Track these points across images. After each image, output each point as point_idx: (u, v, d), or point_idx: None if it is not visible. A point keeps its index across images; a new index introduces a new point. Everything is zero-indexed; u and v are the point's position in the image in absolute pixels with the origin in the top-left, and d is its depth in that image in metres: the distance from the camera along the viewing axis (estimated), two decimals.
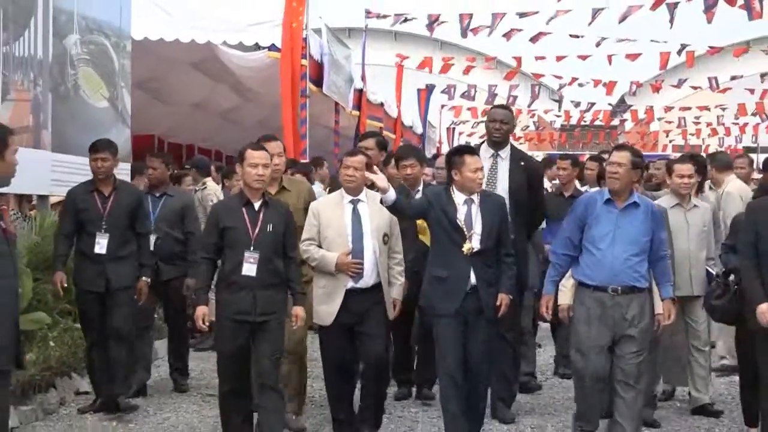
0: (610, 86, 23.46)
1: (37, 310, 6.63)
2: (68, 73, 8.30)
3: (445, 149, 20.23)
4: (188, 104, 14.18)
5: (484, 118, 7.14)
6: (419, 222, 6.16)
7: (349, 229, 5.60)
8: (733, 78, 24.55)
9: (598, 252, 5.35)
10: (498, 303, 5.44)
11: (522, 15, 16.30)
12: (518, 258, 5.91)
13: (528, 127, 35.72)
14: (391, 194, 5.35)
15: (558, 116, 34.29)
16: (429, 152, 20.35)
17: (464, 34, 16.31)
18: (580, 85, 23.58)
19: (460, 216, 5.42)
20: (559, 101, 34.87)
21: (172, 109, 14.03)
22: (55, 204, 8.42)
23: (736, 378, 6.49)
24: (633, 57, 19.13)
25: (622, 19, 14.66)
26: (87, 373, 6.68)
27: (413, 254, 6.12)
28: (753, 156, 15.46)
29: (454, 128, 32.79)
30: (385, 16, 17.03)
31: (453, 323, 5.39)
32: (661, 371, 6.61)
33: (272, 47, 11.33)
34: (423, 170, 7.02)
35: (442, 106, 28.55)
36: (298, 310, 5.40)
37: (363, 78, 15.20)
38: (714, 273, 6.35)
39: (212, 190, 9.06)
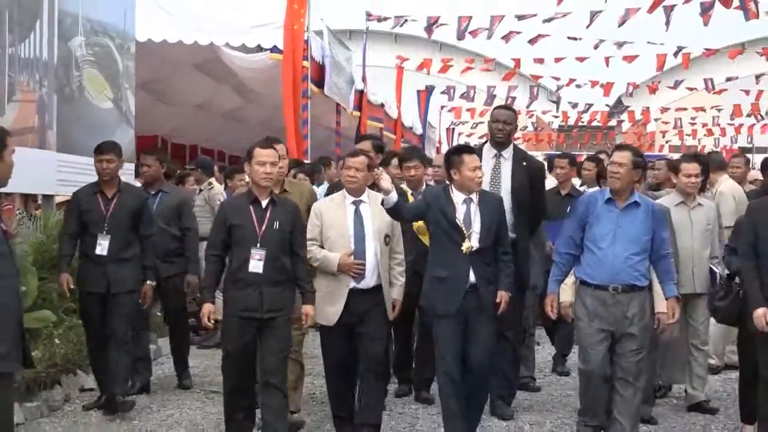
0: (607, 87, 23.51)
1: (42, 308, 6.65)
2: (73, 75, 8.34)
3: (445, 149, 20.23)
4: (191, 105, 14.20)
5: (484, 119, 7.21)
6: (417, 223, 6.17)
7: (351, 230, 5.59)
8: (728, 79, 24.64)
9: (599, 251, 5.39)
10: (498, 300, 5.48)
11: (520, 17, 16.32)
12: (520, 257, 5.95)
13: (526, 127, 35.65)
14: (393, 196, 5.36)
15: (556, 117, 34.34)
16: (429, 152, 20.37)
17: (461, 37, 16.34)
18: (578, 86, 23.56)
19: (459, 215, 5.45)
20: (557, 102, 34.99)
21: (175, 110, 14.07)
22: (60, 203, 8.48)
23: (732, 375, 6.53)
24: (630, 59, 19.14)
25: (621, 23, 14.71)
26: (92, 370, 6.70)
27: (413, 255, 6.12)
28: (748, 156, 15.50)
29: (453, 129, 32.78)
30: (385, 19, 17.05)
31: (453, 323, 5.43)
32: (660, 369, 6.66)
33: (274, 49, 11.33)
34: (426, 171, 7.08)
35: (442, 107, 28.52)
36: (308, 309, 5.40)
37: (364, 79, 15.19)
38: (717, 272, 6.36)
39: (219, 190, 9.10)
